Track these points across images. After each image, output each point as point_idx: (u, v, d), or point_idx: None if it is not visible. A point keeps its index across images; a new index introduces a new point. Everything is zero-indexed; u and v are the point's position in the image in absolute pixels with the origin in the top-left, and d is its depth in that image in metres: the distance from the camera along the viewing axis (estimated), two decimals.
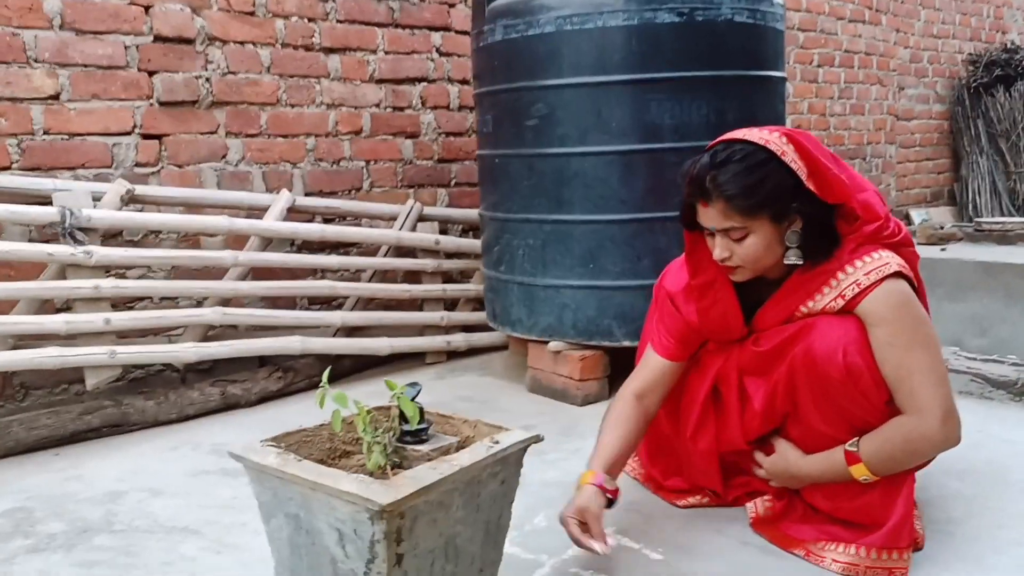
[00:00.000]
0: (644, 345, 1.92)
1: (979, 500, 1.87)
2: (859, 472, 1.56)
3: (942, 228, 5.54)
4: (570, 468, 2.11)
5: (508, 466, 1.35)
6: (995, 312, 4.42)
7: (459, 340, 3.19)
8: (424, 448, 1.37)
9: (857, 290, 1.56)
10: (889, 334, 1.53)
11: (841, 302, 1.58)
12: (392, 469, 1.28)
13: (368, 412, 1.32)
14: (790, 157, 1.54)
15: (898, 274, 1.56)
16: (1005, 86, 6.56)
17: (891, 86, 6.04)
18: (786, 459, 1.69)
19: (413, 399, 1.35)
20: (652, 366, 1.83)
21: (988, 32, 7.04)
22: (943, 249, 4.90)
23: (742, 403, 1.74)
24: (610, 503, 1.67)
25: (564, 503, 1.88)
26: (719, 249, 1.62)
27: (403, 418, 1.38)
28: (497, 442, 1.32)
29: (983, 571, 1.57)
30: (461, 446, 1.38)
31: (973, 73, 6.69)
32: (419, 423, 1.36)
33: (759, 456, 1.74)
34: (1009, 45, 6.96)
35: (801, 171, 1.54)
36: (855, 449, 1.57)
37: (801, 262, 1.61)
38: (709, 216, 1.60)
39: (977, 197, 6.53)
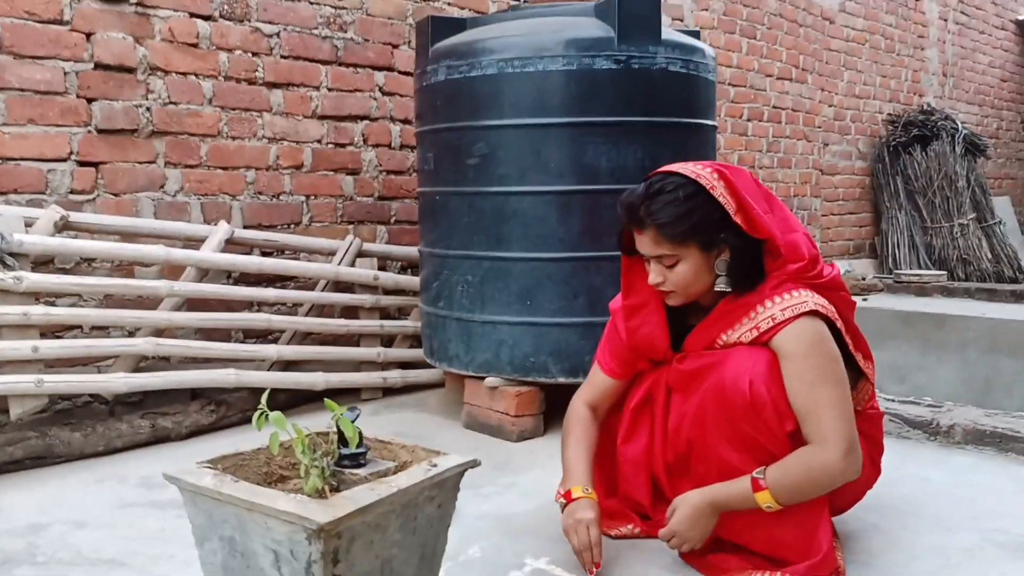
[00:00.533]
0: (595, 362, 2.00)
1: (895, 533, 1.94)
2: (763, 499, 1.60)
3: (864, 279, 5.77)
4: (504, 502, 2.13)
5: (445, 490, 1.37)
6: (912, 360, 4.61)
7: (395, 376, 3.20)
8: (362, 472, 1.38)
9: (772, 324, 1.64)
10: (800, 368, 1.61)
11: (755, 333, 1.66)
12: (330, 492, 1.29)
13: (307, 436, 1.33)
14: (719, 192, 1.65)
15: (814, 313, 1.64)
16: (922, 146, 6.89)
17: (816, 142, 6.30)
18: (688, 502, 1.69)
19: (352, 422, 1.36)
20: (597, 382, 1.95)
21: (906, 94, 7.40)
22: (865, 299, 5.11)
23: (667, 418, 1.82)
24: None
25: (496, 535, 1.91)
26: (653, 274, 1.72)
27: (341, 442, 1.40)
28: (435, 465, 1.34)
29: None
30: (399, 470, 1.39)
31: (892, 132, 7.02)
32: (358, 446, 1.38)
33: (664, 531, 1.73)
34: (925, 107, 7.33)
35: (729, 206, 1.65)
36: (761, 476, 1.62)
37: (730, 289, 1.70)
38: (643, 243, 1.71)
39: (896, 250, 6.81)
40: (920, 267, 6.65)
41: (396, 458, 1.46)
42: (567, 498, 1.78)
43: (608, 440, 1.98)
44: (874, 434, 1.85)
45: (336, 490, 1.32)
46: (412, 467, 1.35)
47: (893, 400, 2.78)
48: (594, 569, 1.69)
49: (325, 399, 1.42)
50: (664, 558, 1.80)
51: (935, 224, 6.86)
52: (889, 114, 7.14)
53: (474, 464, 1.40)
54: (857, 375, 1.79)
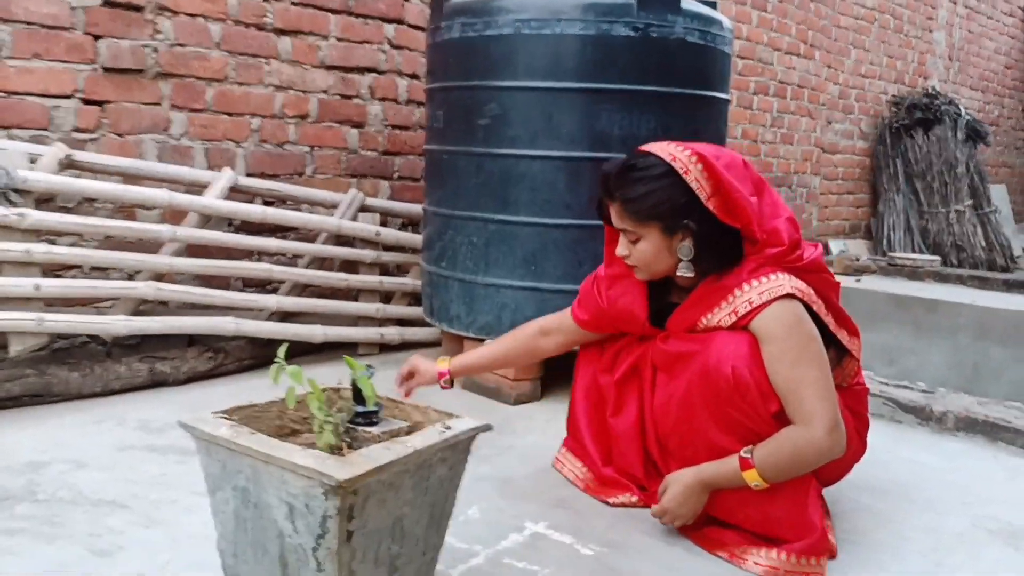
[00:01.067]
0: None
1: (886, 515, 1.97)
2: (751, 478, 1.63)
3: (858, 260, 5.79)
4: (502, 465, 2.15)
5: (457, 452, 1.38)
6: (903, 343, 4.65)
7: (392, 333, 3.20)
8: (374, 430, 1.39)
9: (749, 308, 1.66)
10: (779, 350, 1.63)
11: (734, 318, 1.68)
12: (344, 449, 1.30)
13: (323, 391, 1.33)
14: (693, 176, 1.66)
15: (790, 296, 1.65)
16: (924, 129, 6.89)
17: (820, 119, 6.28)
18: (679, 479, 1.72)
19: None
20: (565, 318, 2.06)
21: (912, 76, 7.38)
22: (858, 280, 5.13)
23: (655, 395, 1.86)
24: (441, 387, 2.09)
25: (495, 498, 1.94)
26: (620, 247, 1.79)
27: (356, 399, 1.40)
28: (449, 428, 1.35)
29: None
30: (410, 431, 1.40)
31: (895, 114, 7.00)
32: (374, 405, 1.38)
33: (656, 508, 1.77)
34: (930, 90, 7.31)
35: (702, 190, 1.65)
36: (749, 455, 1.64)
37: (691, 274, 1.73)
38: (613, 215, 1.78)
39: (891, 233, 6.83)
40: (914, 251, 6.68)
41: (408, 418, 1.46)
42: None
43: (604, 409, 2.01)
44: (860, 409, 1.88)
45: (349, 447, 1.33)
46: (426, 428, 1.35)
47: (887, 383, 2.80)
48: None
49: (345, 356, 1.42)
50: (662, 528, 1.82)
51: (932, 209, 6.88)
52: (893, 95, 7.12)
53: (486, 428, 1.41)
54: (841, 352, 1.82)
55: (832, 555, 1.72)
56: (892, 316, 4.68)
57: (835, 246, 6.33)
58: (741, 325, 1.67)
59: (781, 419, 1.65)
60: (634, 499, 1.94)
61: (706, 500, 1.72)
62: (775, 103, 5.77)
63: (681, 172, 1.66)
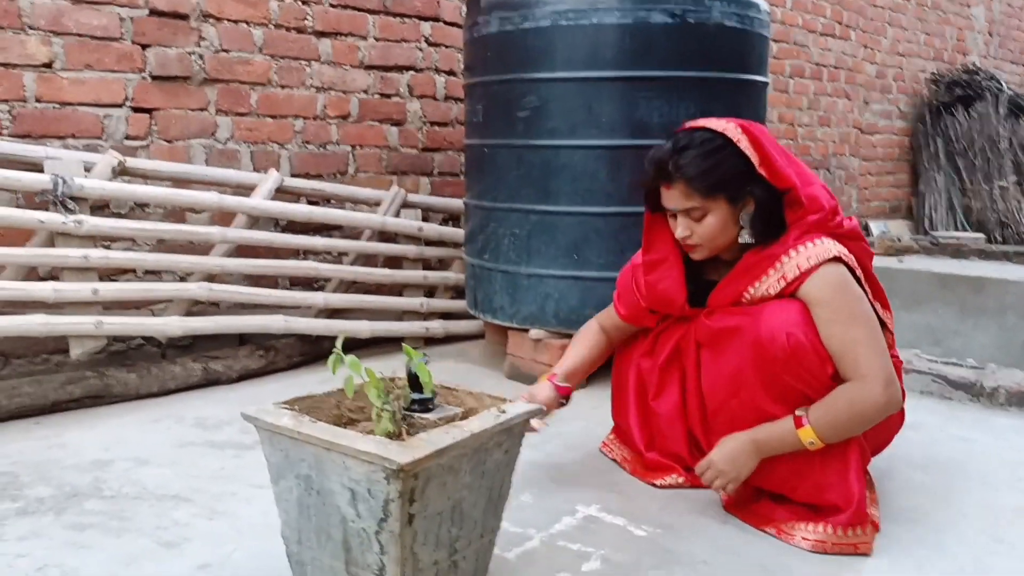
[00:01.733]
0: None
1: (940, 492, 1.96)
2: (806, 436, 1.65)
3: (899, 240, 5.72)
4: (552, 451, 2.18)
5: (512, 436, 1.41)
6: (948, 323, 4.58)
7: (437, 327, 3.24)
8: (431, 416, 1.42)
9: (798, 272, 1.69)
10: (831, 311, 1.65)
11: (783, 283, 1.70)
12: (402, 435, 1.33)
13: (380, 380, 1.37)
14: (744, 144, 1.70)
15: (836, 259, 1.69)
16: (965, 106, 6.78)
17: (857, 100, 6.21)
18: (734, 437, 1.74)
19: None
20: (613, 316, 2.07)
21: (950, 53, 7.26)
22: (900, 260, 5.07)
23: (698, 374, 1.88)
24: (561, 404, 1.97)
25: (546, 483, 1.97)
26: (681, 229, 1.77)
27: (412, 387, 1.44)
28: (504, 412, 1.38)
29: (944, 557, 1.65)
30: (466, 416, 1.43)
31: (935, 92, 6.90)
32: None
33: (702, 462, 1.79)
34: (970, 67, 7.19)
35: (754, 157, 1.69)
36: (804, 414, 1.66)
37: (753, 241, 1.75)
38: (672, 198, 1.76)
39: (933, 212, 6.74)
40: (957, 229, 6.58)
41: (462, 404, 1.50)
42: (548, 378, 1.99)
43: (643, 394, 2.03)
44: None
45: (407, 434, 1.36)
46: (481, 413, 1.39)
47: (936, 361, 2.79)
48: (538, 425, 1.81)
49: (403, 344, 1.45)
50: (713, 508, 1.84)
51: (974, 186, 6.78)
52: (932, 73, 7.01)
53: (540, 411, 1.43)
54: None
55: (875, 528, 1.72)
56: (936, 296, 4.62)
57: (876, 227, 6.26)
58: (789, 291, 1.70)
59: (837, 381, 1.67)
60: (680, 480, 1.95)
61: (754, 466, 1.72)
62: (811, 85, 5.72)
63: (735, 141, 1.69)
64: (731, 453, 1.73)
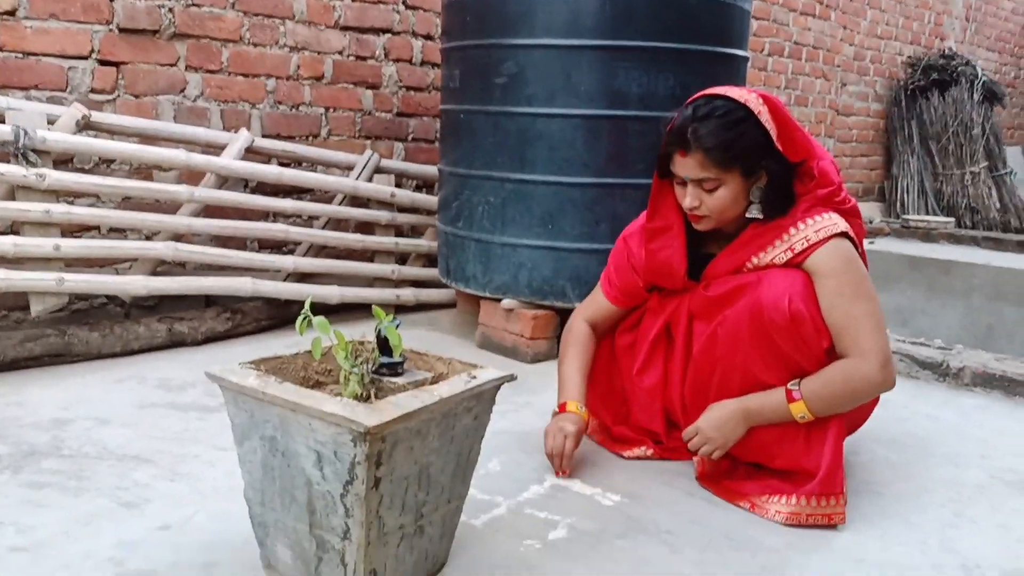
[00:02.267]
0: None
1: (905, 467, 1.98)
2: (798, 410, 1.66)
3: (871, 222, 5.77)
4: (520, 420, 2.17)
5: (482, 402, 1.39)
6: (917, 304, 4.64)
7: (408, 294, 3.21)
8: (400, 381, 1.40)
9: (806, 245, 1.68)
10: (837, 285, 1.65)
11: (790, 255, 1.69)
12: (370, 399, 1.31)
13: (348, 342, 1.34)
14: (765, 117, 1.67)
15: (844, 234, 1.69)
16: (940, 91, 6.82)
17: (834, 81, 6.22)
18: (723, 405, 1.74)
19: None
20: (599, 302, 2.01)
21: (928, 37, 7.29)
22: (872, 242, 5.12)
23: (688, 347, 1.85)
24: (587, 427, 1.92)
25: (515, 451, 1.96)
26: (690, 198, 1.72)
27: (381, 351, 1.41)
28: (474, 377, 1.36)
29: (908, 528, 1.67)
30: (435, 381, 1.41)
31: (911, 76, 6.93)
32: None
33: (690, 428, 1.79)
34: (946, 51, 7.22)
35: (773, 131, 1.67)
36: (796, 388, 1.67)
37: (761, 216, 1.73)
38: (686, 166, 1.70)
39: (905, 195, 6.79)
40: (928, 213, 6.64)
41: (432, 369, 1.47)
42: (561, 410, 1.89)
43: (616, 370, 2.02)
44: None
45: (375, 397, 1.34)
46: (451, 378, 1.36)
47: (904, 341, 2.80)
48: (561, 474, 1.83)
49: (373, 307, 1.43)
50: (682, 480, 1.84)
51: (946, 171, 6.83)
52: (909, 56, 7.04)
53: (511, 378, 1.41)
54: None
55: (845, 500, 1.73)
56: (905, 277, 4.67)
57: None
58: (796, 263, 1.69)
59: (831, 356, 1.67)
60: (649, 452, 1.95)
61: (742, 433, 1.72)
62: (789, 64, 5.71)
63: (756, 113, 1.66)
64: (719, 420, 1.73)
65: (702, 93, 1.73)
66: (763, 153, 1.68)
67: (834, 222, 1.69)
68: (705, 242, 1.84)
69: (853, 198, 1.81)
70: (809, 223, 1.69)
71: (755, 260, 1.73)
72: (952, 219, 5.99)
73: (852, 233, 1.72)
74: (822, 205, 1.72)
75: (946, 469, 1.98)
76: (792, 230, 1.70)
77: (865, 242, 1.86)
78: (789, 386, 1.68)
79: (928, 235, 5.42)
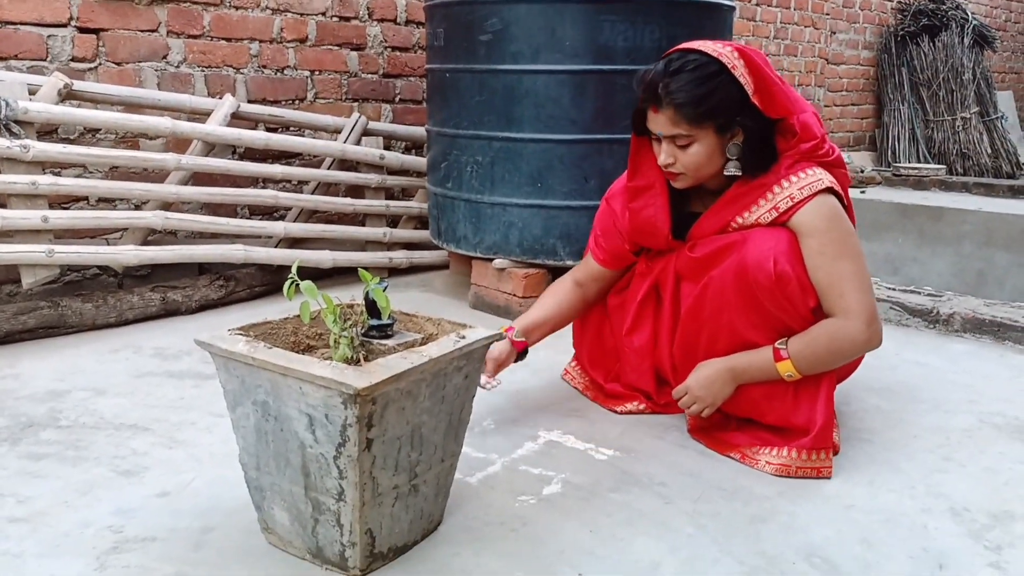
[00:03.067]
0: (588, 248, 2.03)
1: (895, 415, 2.00)
2: (785, 369, 1.67)
3: (862, 171, 5.76)
4: (514, 378, 2.17)
5: (472, 361, 1.40)
6: (907, 252, 4.65)
7: (400, 257, 3.21)
8: (390, 343, 1.40)
9: (790, 203, 1.66)
10: (821, 244, 1.64)
11: (775, 214, 1.68)
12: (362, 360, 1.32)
13: (337, 306, 1.35)
14: (740, 72, 1.63)
15: (829, 190, 1.67)
16: (930, 36, 6.76)
17: (824, 29, 6.17)
18: (710, 364, 1.75)
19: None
20: (590, 266, 2.00)
21: None
22: (863, 191, 5.11)
23: (675, 307, 1.84)
24: (518, 357, 1.92)
25: (509, 409, 1.97)
26: (664, 155, 1.70)
27: (370, 313, 1.42)
28: (464, 337, 1.36)
29: (896, 473, 1.70)
30: (425, 342, 1.42)
31: (901, 21, 6.87)
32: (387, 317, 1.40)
33: (679, 387, 1.80)
34: None
35: (748, 86, 1.63)
36: (783, 347, 1.67)
37: (739, 173, 1.70)
38: (658, 122, 1.68)
39: (896, 143, 6.77)
40: (919, 161, 6.63)
41: (422, 330, 1.48)
42: (506, 330, 1.90)
43: (607, 329, 2.03)
44: None
45: (365, 360, 1.35)
46: (440, 338, 1.37)
47: (893, 289, 2.82)
48: (487, 381, 1.83)
49: (360, 269, 1.43)
50: (673, 433, 1.86)
51: (937, 117, 6.80)
52: (899, 2, 6.97)
53: (500, 337, 1.42)
54: None
55: (836, 451, 1.75)
56: (896, 225, 4.67)
57: None
58: (781, 221, 1.67)
59: (817, 315, 1.67)
60: (641, 407, 1.97)
61: (730, 392, 1.73)
62: (778, 13, 5.66)
63: (730, 68, 1.62)
64: (708, 379, 1.74)
65: (677, 48, 1.70)
66: (737, 109, 1.64)
67: (818, 178, 1.67)
68: (690, 200, 1.82)
69: (836, 147, 1.79)
70: (793, 180, 1.67)
71: (740, 220, 1.72)
72: (943, 166, 5.98)
73: (837, 187, 1.70)
74: (806, 160, 1.70)
75: (935, 415, 2.00)
76: (776, 188, 1.68)
77: (856, 192, 1.85)
78: (776, 345, 1.68)
79: (919, 183, 5.42)
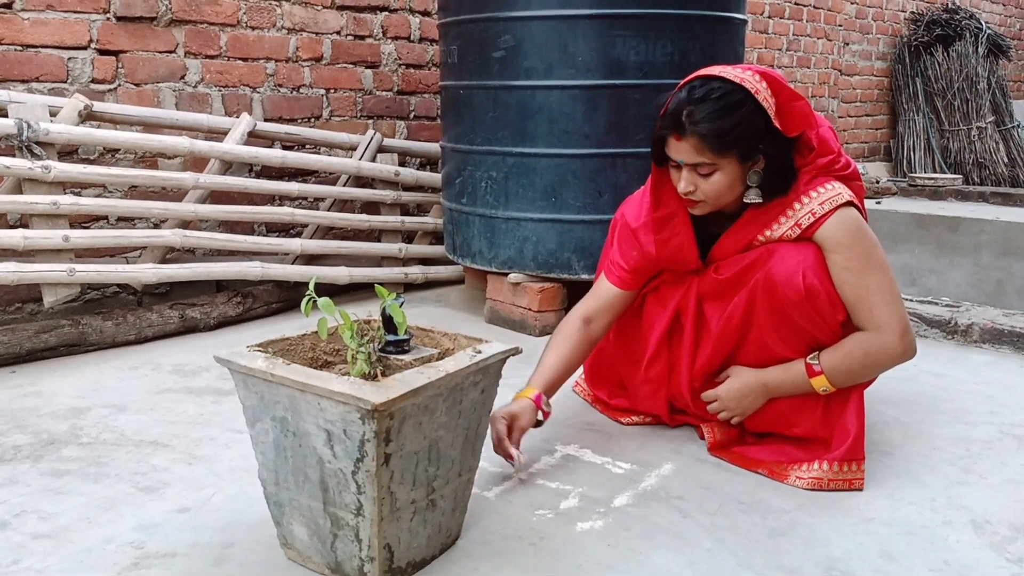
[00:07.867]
0: (599, 274, 1.99)
1: (915, 426, 1.99)
2: (819, 384, 1.67)
3: (878, 182, 5.74)
4: None
5: (488, 376, 1.40)
6: (925, 263, 4.63)
7: (416, 272, 3.23)
8: (406, 358, 1.41)
9: (812, 219, 1.66)
10: (846, 259, 1.64)
11: (797, 231, 1.67)
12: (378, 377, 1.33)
13: (354, 322, 1.36)
14: (763, 96, 1.60)
15: (850, 203, 1.67)
16: (944, 46, 6.74)
17: (837, 41, 6.17)
18: (742, 377, 1.76)
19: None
20: (602, 293, 1.92)
21: None
22: (879, 202, 5.09)
23: (698, 331, 1.82)
24: (539, 424, 1.78)
25: None
26: (684, 183, 1.67)
27: (386, 329, 1.43)
28: (480, 352, 1.37)
29: (916, 486, 1.69)
30: (442, 357, 1.43)
31: (914, 32, 6.85)
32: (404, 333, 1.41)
33: (710, 393, 1.80)
34: (950, 5, 7.14)
35: (771, 109, 1.61)
36: (815, 362, 1.67)
37: (760, 200, 1.68)
38: (680, 150, 1.65)
39: (911, 154, 6.75)
40: (935, 171, 6.60)
41: (438, 345, 1.49)
42: (535, 399, 1.78)
43: (609, 347, 2.01)
44: None
45: (382, 375, 1.36)
46: (457, 353, 1.38)
47: (911, 299, 2.81)
48: (510, 460, 1.68)
49: (376, 285, 1.44)
50: (690, 447, 1.86)
51: (952, 127, 6.78)
52: (912, 12, 6.96)
53: (516, 352, 1.43)
54: None
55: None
56: (913, 236, 4.65)
57: None
58: (805, 237, 1.67)
59: (847, 328, 1.67)
60: (647, 419, 1.98)
61: (760, 405, 1.74)
62: (791, 26, 5.66)
63: (753, 93, 1.60)
64: (740, 393, 1.75)
65: (697, 74, 1.67)
66: (761, 137, 1.62)
67: (838, 192, 1.66)
68: (709, 221, 1.79)
69: (852, 161, 1.80)
70: (813, 196, 1.66)
71: (762, 238, 1.71)
72: (959, 176, 5.95)
73: (857, 200, 1.70)
74: (823, 174, 1.70)
75: (955, 427, 1.99)
76: (796, 204, 1.67)
77: (872, 202, 1.85)
78: (808, 360, 1.68)
79: (935, 193, 5.39)
